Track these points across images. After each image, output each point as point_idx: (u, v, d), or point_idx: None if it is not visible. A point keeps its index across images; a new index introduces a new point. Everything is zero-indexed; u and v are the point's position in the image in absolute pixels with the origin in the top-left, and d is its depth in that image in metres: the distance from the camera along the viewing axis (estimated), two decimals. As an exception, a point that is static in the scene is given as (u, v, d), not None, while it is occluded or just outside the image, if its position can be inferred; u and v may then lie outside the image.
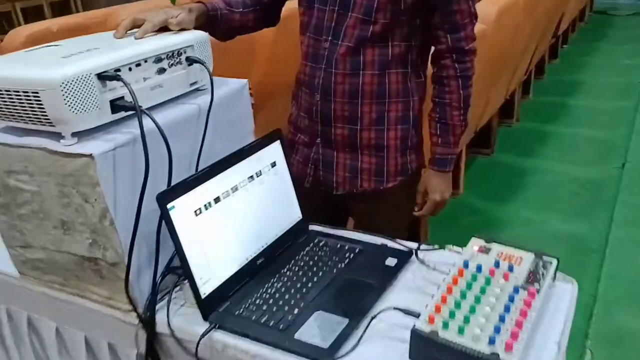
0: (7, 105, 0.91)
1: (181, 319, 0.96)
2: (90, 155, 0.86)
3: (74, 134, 0.90)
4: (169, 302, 0.98)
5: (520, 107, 4.02)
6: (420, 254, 1.03)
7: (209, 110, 1.05)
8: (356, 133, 1.27)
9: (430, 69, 1.30)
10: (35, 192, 0.97)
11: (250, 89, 1.20)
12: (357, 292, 0.95)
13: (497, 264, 0.88)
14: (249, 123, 1.20)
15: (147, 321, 0.97)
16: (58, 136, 0.90)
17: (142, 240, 0.95)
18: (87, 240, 0.97)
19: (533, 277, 0.84)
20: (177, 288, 1.00)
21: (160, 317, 0.96)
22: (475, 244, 0.96)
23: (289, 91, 1.41)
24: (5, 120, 0.96)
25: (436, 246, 1.06)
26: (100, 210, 0.91)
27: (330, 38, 1.23)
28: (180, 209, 0.90)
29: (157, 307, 0.98)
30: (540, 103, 4.35)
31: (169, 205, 0.88)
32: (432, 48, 1.27)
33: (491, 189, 3.07)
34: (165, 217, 0.88)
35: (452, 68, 1.23)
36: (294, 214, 1.14)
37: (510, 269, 0.87)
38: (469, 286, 0.84)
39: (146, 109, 0.96)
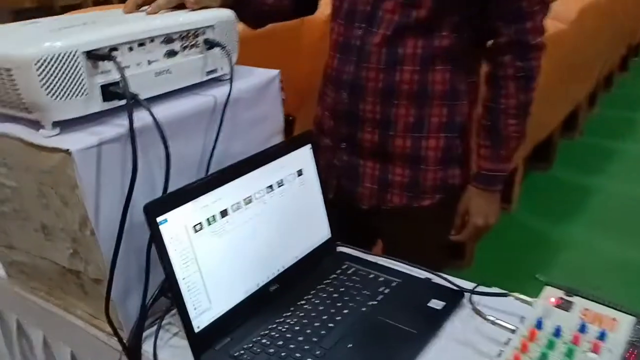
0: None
1: (171, 352, 0.79)
2: (67, 151, 0.70)
3: (55, 124, 0.74)
4: (158, 329, 0.81)
5: (585, 120, 3.71)
6: (475, 298, 0.82)
7: (225, 104, 0.87)
8: (388, 139, 1.06)
9: (484, 68, 1.08)
10: (14, 188, 0.82)
11: (281, 82, 1.02)
12: (391, 341, 0.76)
13: (582, 328, 0.67)
14: (277, 123, 1.01)
15: (131, 350, 0.80)
16: (38, 125, 0.75)
17: (131, 255, 0.78)
18: (67, 250, 0.81)
19: (634, 353, 0.62)
20: (172, 312, 0.83)
21: (147, 347, 0.80)
22: (551, 294, 0.74)
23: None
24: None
25: (495, 289, 0.85)
26: (80, 217, 0.75)
27: (364, 25, 1.03)
28: (175, 224, 0.73)
29: (144, 334, 0.82)
30: (607, 117, 4.02)
31: (160, 219, 0.71)
32: (489, 42, 1.05)
33: (546, 206, 2.81)
34: (153, 232, 0.71)
35: (512, 67, 1.01)
36: (321, 232, 0.95)
37: (602, 336, 0.65)
38: (545, 357, 0.63)
39: (150, 98, 0.80)
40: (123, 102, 0.75)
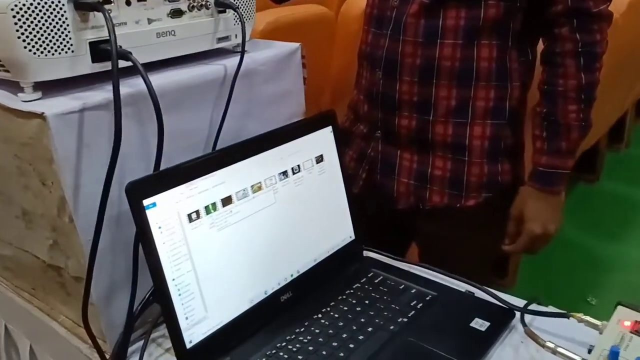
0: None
1: (160, 371, 0.66)
2: (42, 116, 0.58)
3: (37, 87, 0.62)
4: (145, 343, 0.68)
5: (632, 130, 3.46)
6: (528, 319, 0.66)
7: (236, 73, 0.74)
8: (427, 125, 0.91)
9: (540, 45, 0.92)
10: (-5, 165, 0.71)
11: (303, 57, 0.89)
12: (423, 370, 0.61)
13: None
14: (298, 103, 0.88)
15: (115, 366, 0.67)
16: (18, 88, 0.63)
17: (119, 249, 0.66)
18: (47, 241, 0.69)
19: None
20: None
21: (133, 364, 0.67)
22: (624, 316, 0.59)
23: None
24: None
25: (552, 308, 0.69)
26: (58, 199, 0.63)
27: None
28: (165, 210, 0.59)
29: (132, 348, 0.69)
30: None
31: (146, 202, 0.58)
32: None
33: (595, 221, 2.59)
34: (137, 218, 0.58)
35: (571, 40, 0.85)
36: (344, 232, 0.81)
37: None
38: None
39: (151, 64, 0.68)
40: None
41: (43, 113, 0.58)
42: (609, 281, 2.15)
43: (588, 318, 0.61)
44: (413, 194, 0.95)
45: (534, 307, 0.69)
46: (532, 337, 0.62)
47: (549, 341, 0.60)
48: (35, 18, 0.58)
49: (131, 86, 0.65)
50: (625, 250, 2.37)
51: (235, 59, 0.76)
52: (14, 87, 0.63)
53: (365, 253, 0.85)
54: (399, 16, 0.89)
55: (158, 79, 0.67)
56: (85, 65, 0.63)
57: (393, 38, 0.90)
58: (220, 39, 0.77)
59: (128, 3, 0.66)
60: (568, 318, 0.63)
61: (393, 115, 0.93)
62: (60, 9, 0.59)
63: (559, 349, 0.59)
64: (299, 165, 0.74)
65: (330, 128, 0.78)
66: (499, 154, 0.93)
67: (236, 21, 0.77)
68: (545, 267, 2.06)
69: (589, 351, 0.57)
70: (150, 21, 0.69)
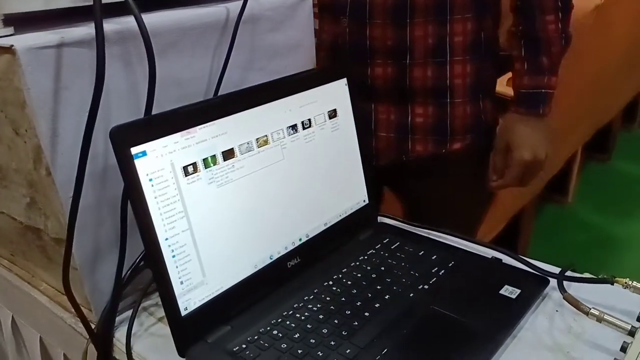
0: None
1: (151, 343, 0.59)
2: (12, 50, 0.50)
3: (8, 22, 0.54)
4: (135, 311, 0.61)
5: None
6: (567, 286, 0.59)
7: (239, 17, 0.67)
8: (404, 71, 0.84)
9: None
10: (-34, 116, 0.64)
11: (315, 6, 0.81)
12: (449, 340, 0.54)
13: None
14: (308, 55, 0.81)
15: (99, 337, 0.60)
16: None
17: (105, 207, 0.59)
18: (24, 199, 0.62)
19: None
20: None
21: (120, 336, 0.60)
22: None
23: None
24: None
25: (588, 274, 0.62)
26: (33, 149, 0.55)
27: None
28: (157, 160, 0.52)
29: (121, 317, 0.62)
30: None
31: (134, 151, 0.51)
32: None
33: (608, 200, 2.53)
34: (124, 168, 0.50)
35: None
36: (357, 195, 0.74)
37: None
38: None
39: (144, 2, 0.60)
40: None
41: (12, 46, 0.50)
42: (621, 259, 2.09)
43: (636, 283, 0.54)
44: (394, 147, 0.89)
45: (572, 274, 0.62)
46: (573, 304, 0.55)
47: (594, 308, 0.53)
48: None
49: (119, 23, 0.57)
50: (638, 228, 2.31)
51: (239, 4, 0.69)
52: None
53: (380, 219, 0.78)
54: None
55: (151, 18, 0.60)
56: (64, -1, 0.56)
57: None
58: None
59: None
60: (612, 284, 0.56)
61: (364, 65, 0.86)
62: None
63: (606, 317, 0.52)
64: (309, 120, 0.66)
65: (344, 80, 0.71)
66: (480, 92, 0.88)
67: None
68: (557, 245, 2.00)
69: (640, 318, 0.51)
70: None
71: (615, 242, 2.21)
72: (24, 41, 0.51)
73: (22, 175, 0.59)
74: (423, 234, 0.75)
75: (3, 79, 0.53)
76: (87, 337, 0.61)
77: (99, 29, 0.49)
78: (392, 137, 0.88)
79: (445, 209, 0.80)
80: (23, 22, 0.55)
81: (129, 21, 0.56)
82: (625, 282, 0.55)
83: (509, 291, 0.60)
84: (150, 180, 0.52)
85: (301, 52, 0.79)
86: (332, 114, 0.70)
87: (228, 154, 0.58)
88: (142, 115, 0.56)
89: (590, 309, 0.53)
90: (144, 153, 0.51)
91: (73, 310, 0.60)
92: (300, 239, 0.66)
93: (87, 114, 0.51)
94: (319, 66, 0.84)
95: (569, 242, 2.14)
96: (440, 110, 0.86)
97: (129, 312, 0.62)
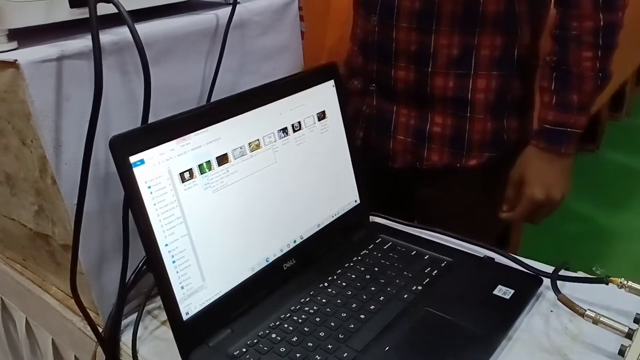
0: None
1: (156, 346, 0.60)
2: (16, 64, 0.51)
3: (12, 36, 0.54)
4: (139, 316, 0.62)
5: (632, 99, 3.40)
6: (560, 286, 0.61)
7: (228, 23, 0.67)
8: (426, 78, 0.83)
9: None
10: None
11: (300, 9, 0.81)
12: (446, 342, 0.55)
13: None
14: (295, 57, 0.81)
15: (107, 341, 0.61)
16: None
17: (108, 214, 0.60)
18: (32, 207, 0.63)
19: None
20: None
21: (127, 339, 0.61)
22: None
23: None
24: None
25: (581, 273, 0.64)
26: (39, 159, 0.56)
27: None
28: (154, 167, 0.53)
29: (127, 320, 0.63)
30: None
31: (133, 159, 0.51)
32: None
33: (598, 191, 2.55)
34: (124, 177, 0.51)
35: None
36: (348, 196, 0.75)
37: None
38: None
39: (136, 12, 0.60)
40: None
41: (16, 61, 0.51)
42: (614, 250, 2.12)
43: (632, 283, 0.55)
44: (410, 152, 0.88)
45: (566, 273, 0.63)
46: (568, 305, 0.56)
47: (590, 309, 0.54)
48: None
49: (115, 34, 0.58)
50: (628, 218, 2.33)
51: (227, 10, 0.69)
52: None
53: (372, 218, 0.79)
54: None
55: (145, 28, 0.60)
56: (63, 11, 0.57)
57: None
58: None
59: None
60: (607, 284, 0.57)
61: (389, 66, 0.85)
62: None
63: (602, 318, 0.53)
64: (299, 122, 0.67)
65: (332, 82, 0.71)
66: (505, 110, 0.85)
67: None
68: (548, 237, 2.02)
69: (637, 320, 0.52)
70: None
71: (606, 233, 2.24)
72: (26, 55, 0.52)
73: (30, 183, 0.60)
74: (415, 233, 0.76)
75: (9, 92, 0.54)
76: (96, 340, 0.62)
77: (96, 42, 0.50)
78: (410, 141, 0.88)
79: (454, 223, 0.76)
80: (26, 36, 0.56)
81: (124, 31, 0.56)
82: (620, 282, 0.56)
83: (503, 291, 0.61)
84: (149, 187, 0.52)
85: (289, 54, 0.80)
86: (321, 116, 0.70)
87: (222, 159, 0.59)
88: (139, 122, 0.57)
89: (586, 310, 0.54)
90: (142, 161, 0.52)
91: (80, 313, 0.61)
92: (294, 241, 0.67)
93: (88, 123, 0.52)
94: (328, 63, 0.82)
95: (560, 233, 2.17)
96: (459, 122, 0.84)
97: (134, 316, 0.63)
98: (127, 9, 0.55)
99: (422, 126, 0.86)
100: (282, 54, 0.79)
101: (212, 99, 0.68)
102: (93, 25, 0.50)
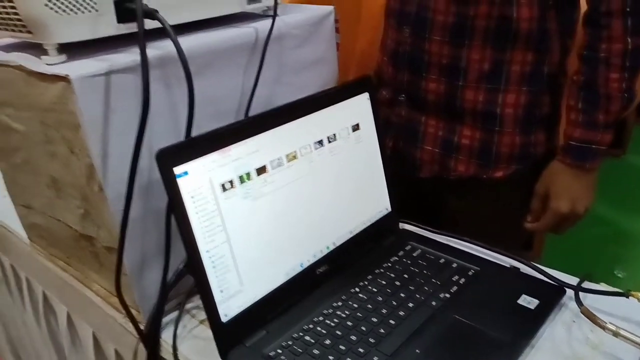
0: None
1: (194, 344, 0.64)
2: (67, 79, 0.54)
3: (61, 50, 0.58)
4: (179, 315, 0.66)
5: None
6: (583, 297, 0.62)
7: (268, 36, 0.70)
8: (456, 91, 0.85)
9: (584, 5, 0.83)
10: (23, 133, 0.69)
11: (336, 22, 0.84)
12: (472, 349, 0.57)
13: None
14: (331, 69, 0.84)
15: (148, 338, 0.65)
16: (42, 51, 0.60)
17: (150, 218, 0.63)
18: (78, 210, 0.67)
19: None
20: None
21: (167, 336, 0.65)
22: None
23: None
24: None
25: (604, 285, 0.65)
26: (86, 167, 0.60)
27: None
28: (197, 178, 0.56)
29: (167, 318, 0.67)
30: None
31: (177, 170, 0.55)
32: None
33: (621, 195, 2.52)
34: (169, 187, 0.54)
35: None
36: (380, 204, 0.77)
37: None
38: None
39: (177, 26, 0.63)
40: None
41: (67, 76, 0.54)
42: (636, 254, 2.10)
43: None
44: (438, 162, 0.90)
45: (589, 285, 0.65)
46: (590, 317, 0.58)
47: (610, 323, 0.56)
48: (57, -27, 0.54)
49: (159, 48, 0.61)
50: (655, 224, 2.31)
51: (265, 23, 0.72)
52: (38, 50, 0.60)
53: (401, 225, 0.82)
54: None
55: (186, 42, 0.63)
56: (111, 26, 0.60)
57: None
58: (251, 1, 0.73)
59: (154, -42, 0.62)
60: (627, 297, 0.59)
61: (420, 78, 0.87)
62: (84, -37, 0.56)
63: (622, 332, 0.55)
64: (334, 134, 0.70)
65: (367, 95, 0.74)
66: (534, 124, 0.87)
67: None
68: (571, 241, 2.01)
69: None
70: (177, -21, 0.65)
71: (629, 237, 2.22)
72: (76, 69, 0.55)
73: (77, 189, 0.64)
74: (443, 241, 0.78)
75: (58, 103, 0.57)
76: (137, 336, 0.66)
77: (144, 60, 0.53)
78: (437, 152, 0.90)
79: (480, 232, 0.78)
80: (74, 50, 0.59)
81: (167, 45, 0.59)
82: (641, 296, 0.58)
83: (527, 301, 0.63)
84: (192, 197, 0.56)
85: (325, 65, 0.83)
86: (356, 127, 0.73)
87: (261, 170, 0.62)
88: (180, 132, 0.60)
89: (607, 323, 0.56)
90: (185, 173, 0.55)
91: (124, 311, 0.65)
92: (328, 247, 0.70)
93: (133, 133, 0.55)
94: (366, 74, 0.84)
95: (583, 236, 2.15)
96: (487, 135, 0.86)
97: (174, 315, 0.66)
98: (171, 23, 0.58)
99: (450, 137, 0.88)
100: (318, 65, 0.81)
101: (250, 110, 0.71)
102: (141, 44, 0.53)
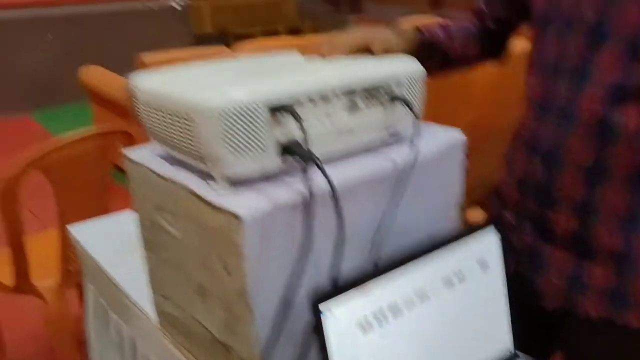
0: (161, 125, 0.72)
1: None
2: (237, 217, 0.61)
3: (228, 180, 0.66)
4: None
5: None
6: None
7: (409, 170, 0.75)
8: (589, 229, 0.81)
9: None
10: (178, 239, 0.76)
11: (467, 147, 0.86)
12: None
13: None
14: (456, 193, 0.85)
15: None
16: (208, 177, 0.68)
17: (286, 338, 0.67)
18: (220, 319, 0.73)
19: None
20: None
21: None
22: None
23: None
24: (161, 144, 0.77)
25: None
26: (240, 287, 0.66)
27: (570, 80, 0.81)
28: (338, 318, 0.61)
29: None
30: None
31: (324, 310, 0.60)
32: None
33: None
34: (317, 328, 0.59)
35: None
36: (501, 343, 0.77)
37: None
38: None
39: (326, 158, 0.69)
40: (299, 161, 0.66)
41: (239, 215, 0.61)
42: None
43: None
44: (563, 297, 0.86)
45: None
46: None
47: None
48: (238, 122, 0.62)
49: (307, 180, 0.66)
50: None
51: (400, 149, 0.76)
52: (204, 174, 0.67)
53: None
54: (569, 104, 0.80)
55: (332, 175, 0.66)
56: (274, 163, 0.66)
57: (559, 127, 0.82)
58: (390, 132, 0.78)
59: (312, 102, 0.68)
60: None
61: (549, 210, 0.85)
62: (260, 114, 0.63)
63: None
64: (461, 271, 0.72)
65: (492, 229, 0.76)
66: None
67: (404, 112, 0.76)
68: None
69: None
70: (330, 118, 0.70)
71: None
72: (245, 205, 0.62)
73: (223, 302, 0.70)
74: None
75: (223, 230, 0.64)
76: None
77: (309, 214, 0.59)
78: (564, 285, 0.86)
79: None
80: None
81: (315, 178, 0.64)
82: None
83: None
84: (336, 337, 0.60)
85: (450, 189, 0.84)
86: (483, 264, 0.75)
87: (395, 309, 0.65)
88: (317, 261, 0.65)
89: None
90: (328, 311, 0.60)
91: None
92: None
93: (285, 262, 0.60)
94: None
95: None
96: (622, 279, 0.82)
97: None
98: (324, 156, 0.64)
99: (578, 274, 0.85)
100: (444, 189, 0.83)
101: (382, 235, 0.74)
102: (307, 191, 0.59)
